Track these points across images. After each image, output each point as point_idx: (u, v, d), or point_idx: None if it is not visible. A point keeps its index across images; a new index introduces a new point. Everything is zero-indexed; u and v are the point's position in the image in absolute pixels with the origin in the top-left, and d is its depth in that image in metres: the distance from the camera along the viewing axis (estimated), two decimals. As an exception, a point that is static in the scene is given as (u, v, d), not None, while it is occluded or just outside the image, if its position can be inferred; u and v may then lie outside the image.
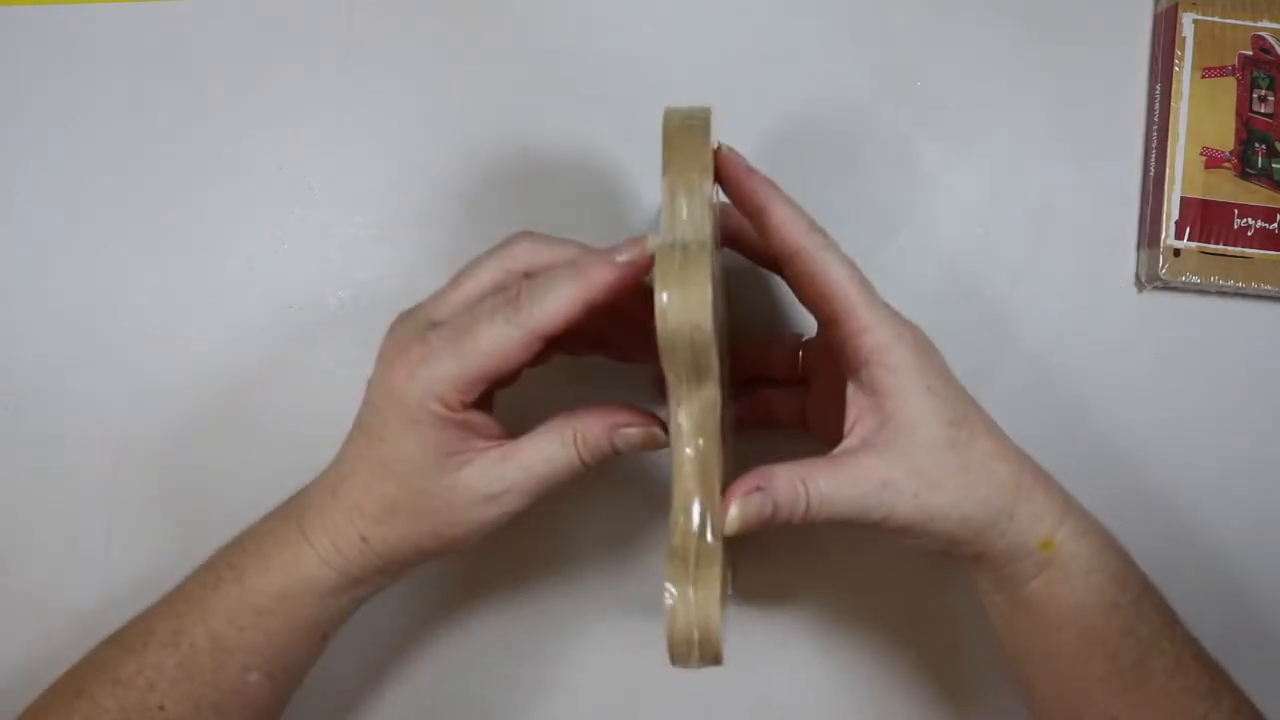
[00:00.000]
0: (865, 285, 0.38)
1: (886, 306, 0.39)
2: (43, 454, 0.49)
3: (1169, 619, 0.41)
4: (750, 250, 0.44)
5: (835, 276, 0.38)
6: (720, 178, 0.39)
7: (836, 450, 0.38)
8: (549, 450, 0.38)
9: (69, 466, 0.49)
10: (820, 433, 0.45)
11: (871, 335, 0.37)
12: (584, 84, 0.49)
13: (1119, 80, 0.50)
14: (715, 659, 0.35)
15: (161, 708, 0.39)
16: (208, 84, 0.49)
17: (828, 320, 0.39)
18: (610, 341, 0.45)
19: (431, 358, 0.37)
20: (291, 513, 0.41)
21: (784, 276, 0.41)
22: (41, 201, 0.49)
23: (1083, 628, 0.40)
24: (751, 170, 0.39)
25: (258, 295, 0.50)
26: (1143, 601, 0.41)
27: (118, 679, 0.39)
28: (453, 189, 0.50)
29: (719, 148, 0.38)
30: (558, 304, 0.36)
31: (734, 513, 0.36)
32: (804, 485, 0.37)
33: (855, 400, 0.39)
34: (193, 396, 0.49)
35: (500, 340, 0.37)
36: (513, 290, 0.37)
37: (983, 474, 0.38)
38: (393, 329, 0.40)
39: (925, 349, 0.39)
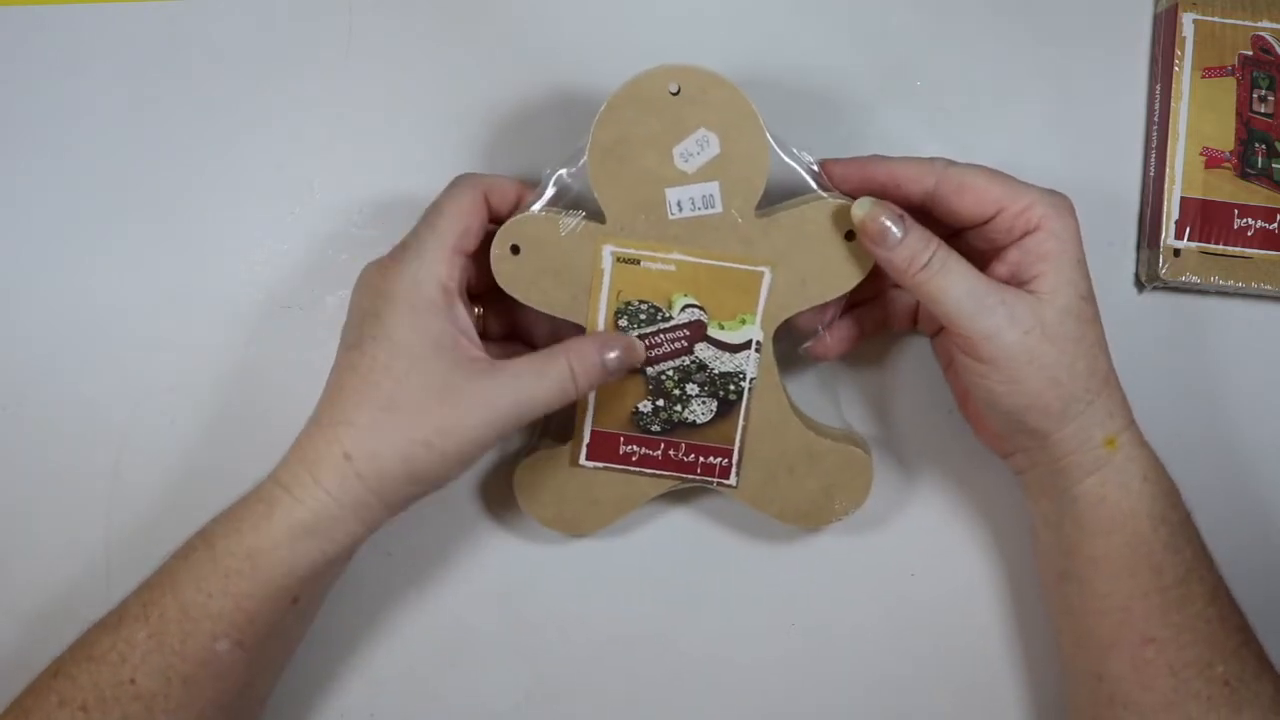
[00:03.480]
0: (1006, 174, 0.42)
1: (1032, 185, 0.42)
2: (43, 454, 0.49)
3: (1208, 553, 0.42)
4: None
5: (979, 175, 0.42)
6: (834, 182, 0.43)
7: None
8: (549, 370, 0.40)
9: (69, 466, 0.49)
10: (933, 330, 0.47)
11: (1039, 206, 0.41)
12: (585, 83, 0.49)
13: (1119, 80, 0.50)
14: None
15: (133, 681, 0.39)
16: (208, 84, 0.49)
17: (983, 218, 0.41)
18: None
19: (414, 248, 0.40)
20: (268, 477, 0.41)
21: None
22: (41, 201, 0.49)
23: (1132, 534, 0.41)
24: (849, 161, 0.43)
25: (258, 295, 0.50)
26: (1188, 525, 0.42)
27: (91, 655, 0.39)
28: (453, 189, 0.50)
29: (815, 163, 0.43)
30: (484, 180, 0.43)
31: (868, 205, 0.40)
32: (937, 245, 0.40)
33: (1006, 266, 0.42)
34: (193, 397, 0.49)
35: (457, 199, 0.41)
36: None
37: (1087, 352, 0.41)
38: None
39: (1077, 220, 0.42)
